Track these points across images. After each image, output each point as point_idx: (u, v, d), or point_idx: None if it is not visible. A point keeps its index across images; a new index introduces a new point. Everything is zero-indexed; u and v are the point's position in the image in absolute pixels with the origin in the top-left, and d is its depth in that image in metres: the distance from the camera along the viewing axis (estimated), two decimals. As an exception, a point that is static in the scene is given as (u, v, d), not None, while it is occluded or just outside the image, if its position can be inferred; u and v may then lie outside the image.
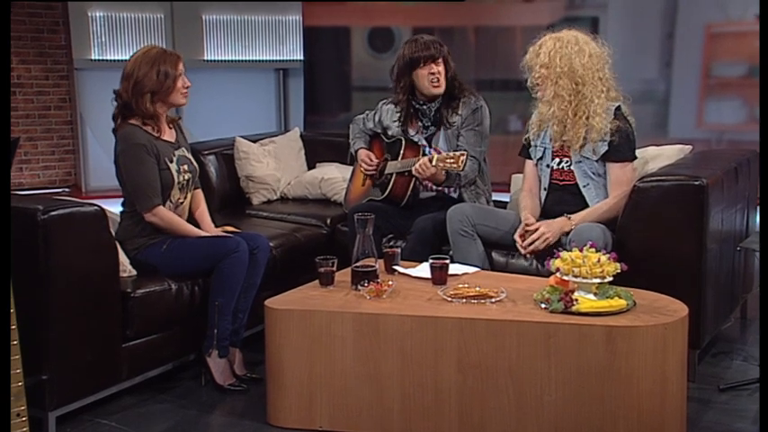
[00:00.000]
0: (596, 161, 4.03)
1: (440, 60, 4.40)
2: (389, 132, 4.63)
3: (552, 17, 6.74)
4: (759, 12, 4.40)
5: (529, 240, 3.95)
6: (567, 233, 3.89)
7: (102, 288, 3.55)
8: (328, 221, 4.88)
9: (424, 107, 4.51)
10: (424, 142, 4.50)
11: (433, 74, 4.39)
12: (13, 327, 2.12)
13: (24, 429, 2.01)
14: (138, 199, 3.90)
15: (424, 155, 4.39)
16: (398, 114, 4.58)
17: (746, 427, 3.50)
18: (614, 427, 3.24)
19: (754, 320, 4.67)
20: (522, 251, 3.98)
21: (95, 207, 3.53)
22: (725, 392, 3.76)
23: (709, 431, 3.47)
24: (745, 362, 4.11)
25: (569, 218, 3.98)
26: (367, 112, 4.82)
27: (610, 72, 4.07)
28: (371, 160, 4.66)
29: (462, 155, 4.14)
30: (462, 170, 4.19)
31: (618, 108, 4.03)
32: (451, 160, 4.16)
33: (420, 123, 4.54)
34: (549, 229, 3.94)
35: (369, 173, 4.70)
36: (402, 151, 4.48)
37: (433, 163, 4.21)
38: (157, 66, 3.94)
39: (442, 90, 4.45)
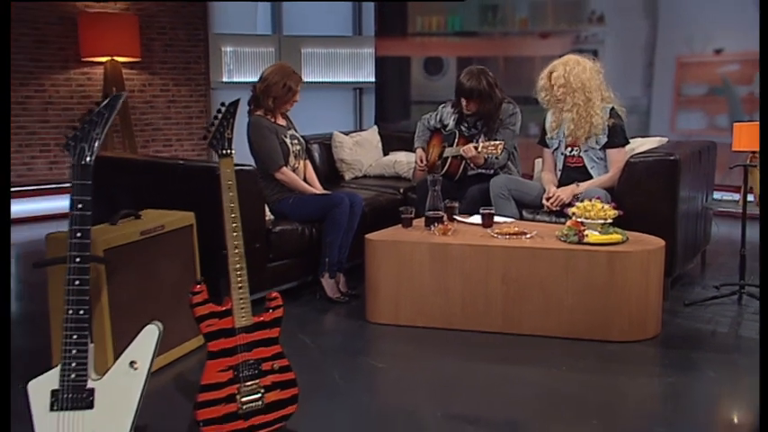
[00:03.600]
0: (599, 149, 4.17)
1: (472, 98, 4.45)
2: (447, 127, 4.74)
3: (562, 50, 6.60)
4: (759, 12, 4.35)
5: (551, 201, 4.16)
6: (577, 196, 4.03)
7: (255, 225, 3.82)
8: (401, 191, 5.03)
9: (467, 119, 4.64)
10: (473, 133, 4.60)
11: (467, 107, 4.51)
12: (237, 233, 2.33)
13: (243, 278, 2.32)
14: (269, 163, 4.12)
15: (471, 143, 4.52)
16: (455, 116, 4.68)
17: (702, 326, 3.71)
18: (611, 323, 3.44)
19: (710, 265, 4.77)
20: (548, 209, 4.17)
21: (251, 166, 3.83)
22: (688, 306, 3.94)
23: (676, 328, 3.67)
24: (703, 289, 4.24)
25: (578, 185, 4.17)
26: (430, 114, 4.90)
27: (602, 80, 4.19)
28: (422, 161, 4.76)
29: (501, 144, 4.26)
30: (499, 156, 4.36)
31: (612, 108, 4.15)
32: (492, 148, 4.28)
33: (468, 123, 4.65)
34: (563, 193, 4.14)
35: (420, 170, 4.77)
36: (456, 141, 4.62)
37: (479, 150, 4.33)
38: (286, 79, 4.17)
39: (471, 111, 4.52)
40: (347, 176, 5.51)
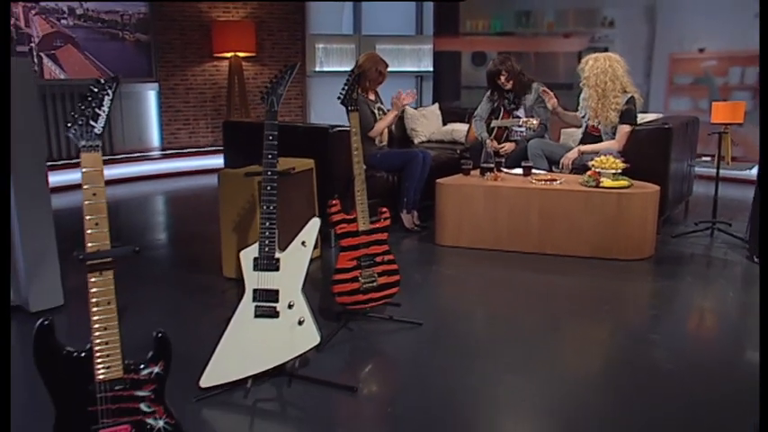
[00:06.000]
0: (611, 127, 4.20)
1: (503, 73, 4.56)
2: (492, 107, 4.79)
3: (581, 47, 6.78)
4: (759, 12, 4.25)
5: (562, 164, 4.24)
6: (585, 153, 4.14)
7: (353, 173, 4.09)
8: (457, 151, 5.08)
9: (507, 94, 4.67)
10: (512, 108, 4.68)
11: (501, 81, 4.59)
12: (359, 164, 2.64)
13: (363, 196, 2.59)
14: (363, 125, 4.17)
15: (514, 117, 4.64)
16: (494, 102, 4.74)
17: (684, 250, 3.89)
18: (618, 245, 3.64)
19: (691, 212, 4.82)
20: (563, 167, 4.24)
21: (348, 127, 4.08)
22: (674, 238, 4.11)
23: (666, 251, 3.86)
24: (685, 227, 4.35)
25: (580, 147, 4.25)
26: (479, 109, 4.80)
27: (627, 75, 4.21)
28: (496, 148, 4.57)
29: (537, 121, 4.39)
30: (536, 129, 4.46)
31: (631, 96, 4.13)
32: (530, 123, 4.42)
33: (508, 99, 4.71)
34: (571, 154, 4.19)
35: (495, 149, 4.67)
36: (501, 115, 4.71)
37: (520, 123, 4.47)
38: (377, 65, 4.33)
39: (509, 87, 4.59)
40: (416, 141, 5.60)
